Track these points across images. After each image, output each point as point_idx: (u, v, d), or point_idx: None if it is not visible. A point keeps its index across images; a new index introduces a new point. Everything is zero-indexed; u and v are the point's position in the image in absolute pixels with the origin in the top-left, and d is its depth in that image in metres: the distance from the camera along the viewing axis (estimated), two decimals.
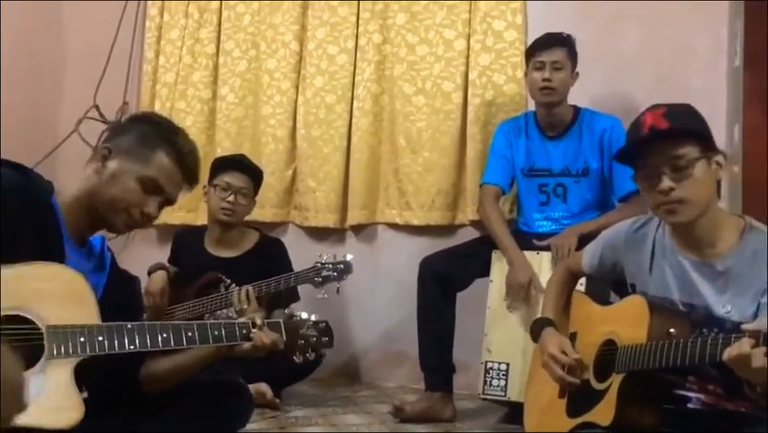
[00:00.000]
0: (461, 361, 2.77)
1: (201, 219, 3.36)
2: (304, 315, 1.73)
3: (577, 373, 1.82)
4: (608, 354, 1.75)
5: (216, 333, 1.56)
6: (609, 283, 2.27)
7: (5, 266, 1.33)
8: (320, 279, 2.50)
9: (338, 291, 2.54)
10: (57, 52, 3.89)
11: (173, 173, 1.56)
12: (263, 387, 2.58)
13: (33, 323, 1.35)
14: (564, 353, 1.83)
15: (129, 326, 1.45)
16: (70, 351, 1.37)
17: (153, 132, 1.57)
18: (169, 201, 1.59)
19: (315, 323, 1.71)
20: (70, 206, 1.52)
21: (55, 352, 1.35)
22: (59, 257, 1.45)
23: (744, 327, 1.43)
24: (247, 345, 1.59)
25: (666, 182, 1.64)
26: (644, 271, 1.80)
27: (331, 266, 2.51)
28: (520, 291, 2.53)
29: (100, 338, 1.40)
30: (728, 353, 1.41)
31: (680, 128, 1.64)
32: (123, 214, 1.54)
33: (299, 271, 2.59)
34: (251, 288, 2.58)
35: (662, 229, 1.80)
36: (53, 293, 1.38)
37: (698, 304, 1.69)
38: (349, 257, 2.55)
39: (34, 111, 3.76)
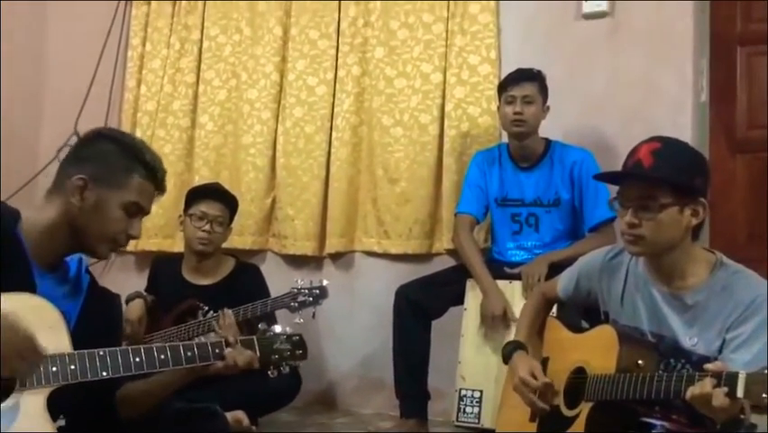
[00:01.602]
0: (436, 388, 2.80)
1: (178, 246, 3.38)
2: (277, 328, 1.74)
3: (547, 397, 1.86)
4: (579, 382, 1.80)
5: (189, 354, 1.57)
6: (581, 310, 2.32)
7: None
8: (296, 304, 2.54)
9: (314, 316, 2.57)
10: (38, 79, 3.91)
11: (149, 190, 1.60)
12: (240, 414, 2.57)
13: None
14: (534, 377, 1.87)
15: (101, 352, 1.46)
16: (42, 381, 1.37)
17: (119, 152, 1.57)
18: (146, 214, 1.63)
19: (289, 337, 1.72)
20: (41, 234, 1.52)
21: (27, 383, 1.36)
22: (27, 286, 1.45)
23: (706, 366, 1.48)
24: (221, 363, 1.60)
25: (630, 217, 1.71)
26: (617, 300, 1.86)
27: (307, 291, 2.54)
28: (495, 321, 2.57)
29: (72, 367, 1.41)
30: (691, 391, 1.47)
31: (656, 175, 1.68)
32: (111, 243, 1.57)
33: (275, 296, 2.63)
34: (230, 312, 2.60)
35: (635, 260, 1.85)
36: (23, 323, 1.38)
37: (666, 335, 1.75)
38: (324, 282, 2.59)
39: (14, 138, 3.76)
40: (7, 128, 3.72)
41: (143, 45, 3.75)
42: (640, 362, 1.68)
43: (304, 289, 2.54)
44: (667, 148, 1.72)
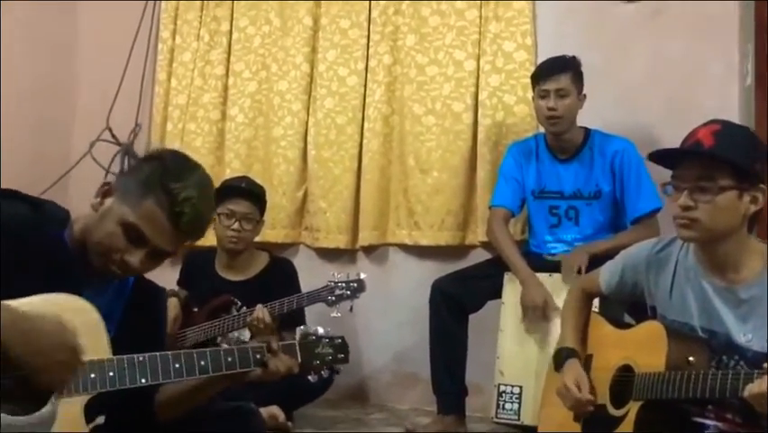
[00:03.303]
0: (474, 383, 2.75)
1: (209, 241, 3.33)
2: (320, 330, 1.69)
3: (585, 407, 1.80)
4: (625, 380, 1.73)
5: (230, 359, 1.53)
6: (625, 305, 2.25)
7: (14, 301, 1.29)
8: (333, 298, 2.50)
9: (351, 310, 2.53)
10: (70, 74, 3.92)
11: (160, 223, 1.40)
12: (275, 410, 2.57)
13: None
14: (579, 388, 1.81)
15: (140, 358, 1.42)
16: (80, 389, 1.34)
17: (154, 174, 1.44)
18: (160, 252, 1.44)
19: (331, 339, 1.68)
20: (78, 237, 1.48)
21: (64, 391, 1.33)
22: (69, 288, 1.41)
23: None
24: (261, 370, 1.56)
25: (685, 199, 1.62)
26: (665, 294, 1.78)
27: (344, 285, 2.50)
28: (536, 312, 2.50)
29: (111, 374, 1.38)
30: (749, 390, 1.40)
31: (718, 154, 1.60)
32: (103, 258, 1.43)
33: (312, 290, 2.59)
34: (262, 307, 2.56)
35: (685, 250, 1.77)
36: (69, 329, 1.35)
37: (718, 331, 1.67)
38: (362, 275, 2.55)
39: (47, 133, 3.78)
40: (41, 123, 3.74)
41: (173, 38, 3.73)
42: (691, 359, 1.60)
43: (341, 282, 2.50)
44: (728, 129, 1.65)
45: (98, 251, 1.42)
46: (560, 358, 1.94)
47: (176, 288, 2.90)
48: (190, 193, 1.42)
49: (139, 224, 1.40)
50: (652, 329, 1.73)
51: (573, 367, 1.89)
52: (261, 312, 2.55)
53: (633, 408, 1.67)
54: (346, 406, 3.15)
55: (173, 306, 2.76)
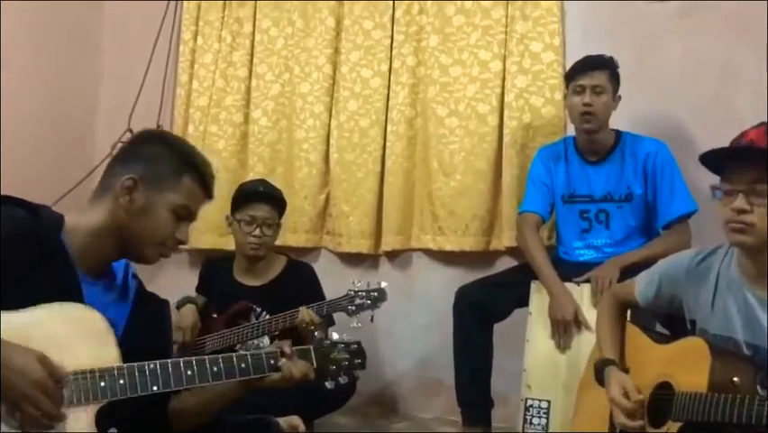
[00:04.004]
0: (500, 392, 2.67)
1: (231, 244, 3.29)
2: (335, 336, 1.67)
3: (637, 415, 1.71)
4: (664, 399, 1.64)
5: (243, 365, 1.50)
6: (658, 315, 2.16)
7: (19, 312, 1.29)
8: (353, 307, 2.44)
9: (372, 320, 2.46)
10: (92, 76, 3.91)
11: (199, 194, 1.56)
12: (295, 420, 2.48)
13: None
14: (627, 395, 1.73)
15: (151, 365, 1.39)
16: (91, 397, 1.32)
17: (170, 154, 1.53)
18: (194, 219, 1.58)
19: (347, 345, 1.65)
20: (88, 239, 1.47)
21: (75, 399, 1.30)
22: (73, 294, 1.40)
23: None
24: (276, 376, 1.53)
25: (741, 202, 1.54)
26: (706, 307, 1.70)
27: (364, 294, 2.44)
28: (567, 326, 2.41)
29: (121, 381, 1.35)
30: None
31: None
32: (159, 246, 1.52)
33: (332, 299, 2.53)
34: (310, 309, 2.50)
35: (727, 261, 1.69)
36: (70, 336, 1.34)
37: (763, 345, 1.58)
38: (383, 284, 2.47)
39: (69, 135, 3.77)
40: (63, 125, 3.73)
41: (195, 40, 3.70)
42: (735, 379, 1.51)
43: (361, 291, 2.43)
44: None
45: (153, 241, 1.51)
46: (599, 371, 1.86)
47: (193, 294, 2.85)
48: (206, 159, 1.59)
49: (187, 203, 1.53)
50: (693, 345, 1.64)
51: (614, 375, 1.80)
52: (307, 314, 2.48)
53: (672, 428, 1.58)
54: (368, 414, 3.09)
55: (191, 312, 2.71)
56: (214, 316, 2.76)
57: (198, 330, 2.70)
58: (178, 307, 2.70)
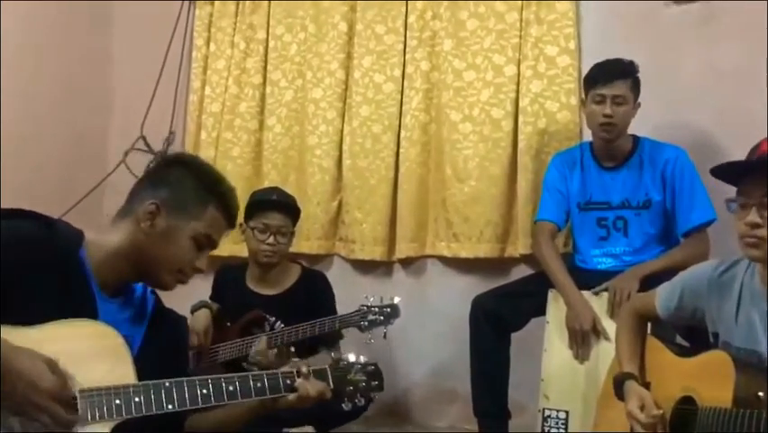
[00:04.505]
0: (516, 402, 2.64)
1: (237, 251, 3.32)
2: (351, 357, 1.65)
3: (656, 429, 1.68)
4: (687, 414, 1.61)
5: (259, 385, 1.49)
6: (678, 327, 2.12)
7: (33, 327, 1.28)
8: (366, 323, 2.40)
9: (385, 336, 2.41)
10: (105, 82, 3.91)
11: (222, 225, 1.54)
12: (309, 431, 2.49)
13: None
14: (644, 409, 1.70)
15: (167, 384, 1.38)
16: (105, 415, 1.30)
17: (197, 181, 1.52)
18: (215, 247, 1.57)
19: (363, 366, 1.63)
20: (107, 258, 1.46)
21: (89, 417, 1.29)
22: (88, 311, 1.40)
23: None
24: (292, 396, 1.52)
25: (754, 216, 1.51)
26: (730, 320, 1.66)
27: (377, 309, 2.39)
28: (584, 336, 2.37)
29: (137, 399, 1.34)
30: None
31: None
32: (177, 274, 1.50)
33: (344, 314, 2.49)
34: (264, 338, 2.51)
35: (750, 272, 1.65)
36: (84, 352, 1.32)
37: None
38: (396, 300, 2.43)
39: (82, 142, 3.77)
40: (76, 132, 3.74)
41: (207, 46, 3.69)
42: (760, 394, 1.47)
43: (374, 306, 2.39)
44: None
45: (171, 268, 1.49)
46: (618, 385, 1.83)
47: (208, 300, 2.83)
48: (231, 189, 1.57)
49: (210, 232, 1.51)
50: (717, 359, 1.60)
51: (633, 389, 1.77)
52: (261, 344, 2.49)
53: None
54: (382, 423, 3.05)
55: (204, 317, 2.69)
56: (228, 324, 2.74)
57: (212, 336, 2.68)
58: (193, 311, 2.69)
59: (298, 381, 1.50)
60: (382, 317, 2.38)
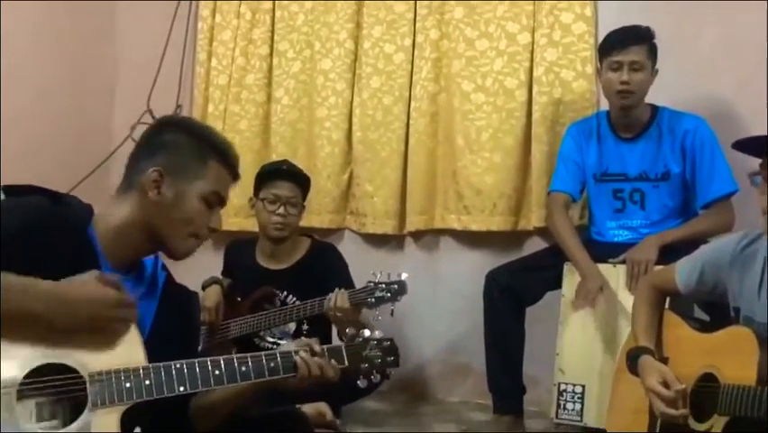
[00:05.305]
0: (530, 376, 2.60)
1: (257, 226, 3.26)
2: (366, 333, 1.60)
3: (679, 404, 1.63)
4: (708, 391, 1.57)
5: (272, 364, 1.45)
6: (701, 303, 2.07)
7: None
8: (373, 300, 2.35)
9: (392, 314, 2.36)
10: (109, 57, 3.85)
11: (226, 177, 1.50)
12: (323, 407, 2.46)
13: (76, 371, 1.26)
14: (666, 385, 1.65)
15: (178, 365, 1.35)
16: (115, 399, 1.27)
17: (192, 140, 1.47)
18: (224, 204, 1.52)
19: (379, 342, 1.58)
20: (118, 233, 1.43)
21: (99, 401, 1.26)
22: None
23: None
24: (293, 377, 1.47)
25: None
26: (752, 294, 1.61)
27: (384, 286, 2.34)
28: (591, 300, 2.33)
29: (147, 382, 1.30)
30: None
31: None
32: (192, 238, 1.46)
33: (351, 290, 2.44)
34: (344, 292, 2.41)
35: None
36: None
37: None
38: (403, 276, 2.37)
39: (88, 117, 3.72)
40: (81, 107, 3.69)
41: (213, 16, 3.61)
42: None
43: (381, 283, 2.34)
44: None
45: (186, 233, 1.45)
46: (632, 359, 1.78)
47: (218, 276, 2.80)
48: (227, 142, 1.54)
49: (217, 188, 1.47)
50: (739, 335, 1.56)
51: (650, 364, 1.72)
52: (340, 298, 2.38)
53: (717, 423, 1.51)
54: (395, 398, 3.03)
55: (215, 293, 2.67)
56: (239, 299, 2.71)
57: (223, 312, 2.65)
58: (204, 287, 2.66)
59: (297, 359, 1.45)
60: (389, 294, 2.33)
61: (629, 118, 2.53)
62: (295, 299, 2.67)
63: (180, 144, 1.46)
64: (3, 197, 1.39)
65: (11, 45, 3.20)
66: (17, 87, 3.24)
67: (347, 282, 2.61)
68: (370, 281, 2.37)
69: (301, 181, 2.73)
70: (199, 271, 2.77)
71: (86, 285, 1.27)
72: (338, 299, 2.39)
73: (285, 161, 2.87)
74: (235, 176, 1.53)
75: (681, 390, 1.64)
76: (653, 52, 2.47)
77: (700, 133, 2.44)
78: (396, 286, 2.34)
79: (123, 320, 1.31)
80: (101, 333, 1.28)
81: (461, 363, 3.10)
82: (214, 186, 1.46)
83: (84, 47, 3.67)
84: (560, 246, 2.52)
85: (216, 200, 1.47)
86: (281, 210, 2.63)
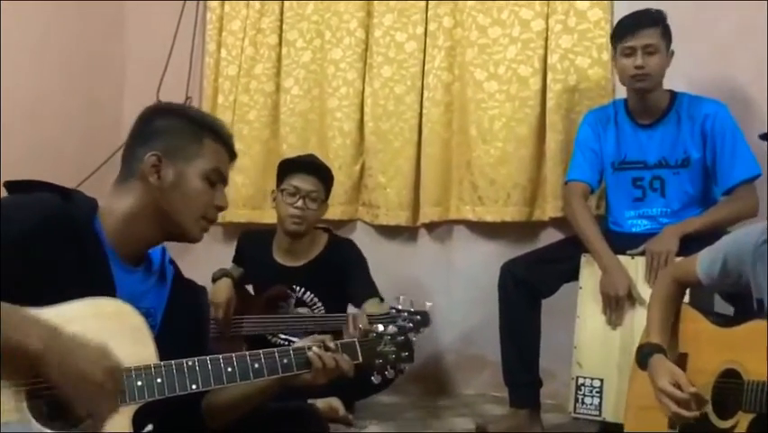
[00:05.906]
0: (547, 369, 2.57)
1: (267, 217, 3.24)
2: (380, 327, 1.59)
3: (692, 406, 1.59)
4: (732, 387, 1.52)
5: (286, 361, 1.43)
6: (723, 294, 2.02)
7: (51, 307, 1.22)
8: (395, 328, 2.30)
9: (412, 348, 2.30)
10: (118, 48, 3.82)
11: (223, 153, 1.49)
12: (335, 402, 2.44)
13: None
14: (679, 386, 1.61)
15: (190, 363, 1.32)
16: (127, 399, 1.25)
17: (185, 121, 1.46)
18: (226, 182, 1.52)
19: (393, 337, 1.57)
20: (124, 225, 1.40)
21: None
22: (105, 286, 1.34)
23: None
24: (307, 373, 1.45)
25: None
26: None
27: (407, 316, 2.26)
28: (619, 302, 2.28)
29: (159, 380, 1.28)
30: None
31: None
32: (201, 220, 1.45)
33: (372, 314, 2.36)
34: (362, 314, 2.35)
35: None
36: (104, 332, 1.25)
37: None
38: (428, 305, 2.32)
39: (97, 109, 3.70)
40: (91, 99, 3.66)
41: (222, 6, 3.57)
42: None
43: (404, 311, 2.25)
44: None
45: (194, 215, 1.44)
46: (643, 355, 1.74)
47: (228, 267, 2.76)
48: (219, 120, 1.54)
49: (217, 165, 1.46)
50: (762, 329, 1.51)
51: (662, 364, 1.68)
52: (358, 323, 2.30)
53: (742, 420, 1.47)
54: (409, 391, 3.01)
55: (226, 287, 2.61)
56: (252, 294, 2.67)
57: (234, 306, 2.61)
58: (214, 280, 2.61)
59: (311, 354, 1.43)
60: (411, 324, 2.26)
61: (647, 103, 2.47)
62: (312, 295, 2.64)
63: (173, 127, 1.45)
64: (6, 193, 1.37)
65: (21, 43, 3.17)
66: (25, 79, 3.21)
67: (365, 280, 2.57)
68: (392, 307, 2.24)
69: (324, 176, 2.67)
70: (208, 262, 2.75)
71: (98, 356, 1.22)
72: (356, 323, 2.32)
73: (311, 155, 2.83)
74: (232, 153, 1.52)
75: (694, 392, 1.60)
76: (666, 34, 2.41)
77: (721, 118, 2.38)
78: (419, 317, 2.23)
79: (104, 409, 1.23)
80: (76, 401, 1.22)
81: (476, 354, 3.07)
82: (214, 163, 1.45)
83: (92, 37, 3.64)
84: (576, 237, 2.47)
85: (218, 177, 1.46)
86: (300, 203, 2.58)
